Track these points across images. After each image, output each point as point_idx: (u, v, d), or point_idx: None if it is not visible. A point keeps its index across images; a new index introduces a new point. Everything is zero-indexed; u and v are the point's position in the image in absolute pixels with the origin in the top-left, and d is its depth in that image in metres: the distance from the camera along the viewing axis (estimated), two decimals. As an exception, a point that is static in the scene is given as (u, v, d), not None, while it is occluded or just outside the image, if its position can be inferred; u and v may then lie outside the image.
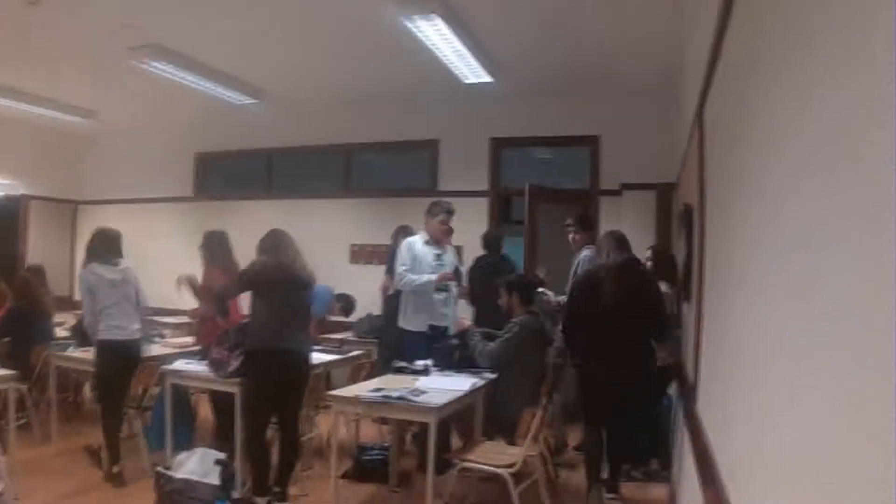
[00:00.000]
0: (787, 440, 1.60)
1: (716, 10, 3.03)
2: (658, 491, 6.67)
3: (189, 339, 8.15)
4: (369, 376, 7.10)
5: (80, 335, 7.75)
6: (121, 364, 6.50)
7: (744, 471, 2.19)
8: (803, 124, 1.59)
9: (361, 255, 10.49)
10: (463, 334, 6.99)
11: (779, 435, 1.71)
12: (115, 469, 6.39)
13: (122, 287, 6.52)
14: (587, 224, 8.24)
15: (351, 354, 7.82)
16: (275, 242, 5.95)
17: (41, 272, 8.89)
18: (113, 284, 6.47)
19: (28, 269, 9.22)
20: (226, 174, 12.52)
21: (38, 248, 12.28)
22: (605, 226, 9.31)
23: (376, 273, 9.36)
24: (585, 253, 7.68)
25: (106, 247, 6.67)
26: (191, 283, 6.76)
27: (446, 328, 7.25)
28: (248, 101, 9.80)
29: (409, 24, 6.65)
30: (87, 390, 8.85)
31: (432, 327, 7.18)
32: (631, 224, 8.89)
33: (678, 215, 6.65)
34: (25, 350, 7.41)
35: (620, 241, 6.24)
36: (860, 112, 1.16)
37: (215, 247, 7.26)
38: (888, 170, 1.01)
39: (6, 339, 7.52)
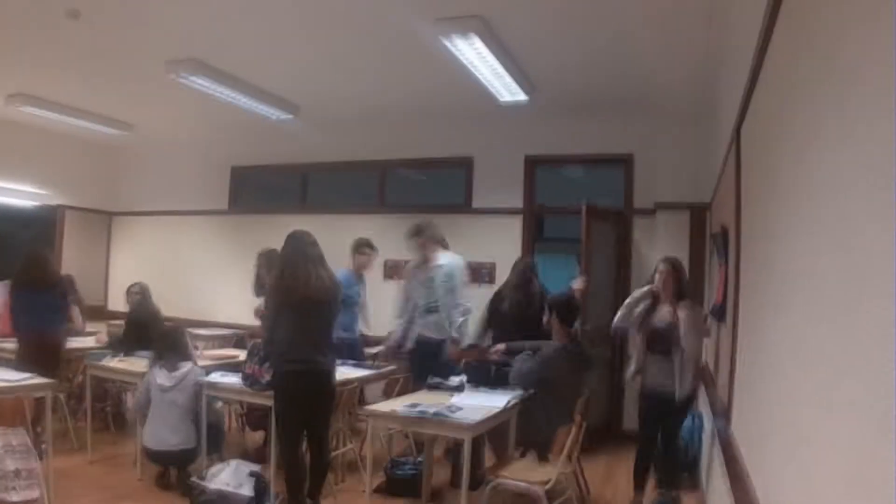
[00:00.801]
0: (826, 457, 1.62)
1: (756, 28, 3.05)
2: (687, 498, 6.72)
3: (223, 352, 8.23)
4: (401, 392, 7.15)
5: (117, 345, 7.91)
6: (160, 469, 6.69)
7: (780, 490, 2.20)
8: (845, 145, 1.61)
9: (395, 270, 10.48)
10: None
11: (816, 451, 1.73)
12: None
13: (171, 393, 6.49)
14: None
15: (385, 370, 7.85)
16: (293, 252, 5.90)
17: (72, 281, 8.86)
18: (162, 389, 6.49)
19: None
20: (261, 188, 12.59)
21: (72, 257, 12.29)
22: (640, 245, 9.36)
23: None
24: None
25: (164, 348, 6.76)
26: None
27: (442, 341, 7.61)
28: (284, 116, 9.85)
29: (447, 43, 6.69)
30: (128, 400, 8.93)
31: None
32: (664, 243, 8.90)
33: (713, 236, 6.64)
34: (34, 328, 7.53)
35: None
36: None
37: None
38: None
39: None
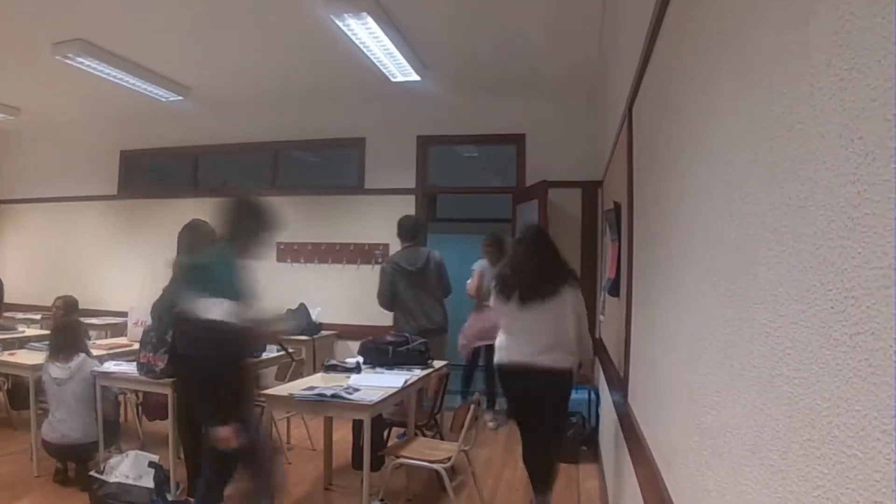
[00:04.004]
0: (724, 423, 1.67)
1: (650, 10, 3.09)
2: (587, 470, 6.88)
3: (115, 341, 8.06)
4: (294, 375, 7.10)
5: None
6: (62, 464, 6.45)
7: (679, 456, 2.25)
8: (735, 121, 1.65)
9: (288, 253, 10.39)
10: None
11: (715, 418, 1.77)
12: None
13: (68, 385, 6.25)
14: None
15: (278, 353, 7.78)
16: (191, 244, 5.83)
17: None
18: (58, 383, 6.25)
19: None
20: (151, 172, 12.32)
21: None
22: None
23: (302, 271, 9.46)
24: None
25: (60, 341, 6.51)
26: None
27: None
28: (175, 98, 9.68)
29: (339, 22, 6.64)
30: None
31: None
32: (557, 221, 8.99)
33: (605, 213, 6.74)
34: None
35: None
36: (791, 110, 1.22)
37: None
38: (817, 167, 1.08)
39: None
